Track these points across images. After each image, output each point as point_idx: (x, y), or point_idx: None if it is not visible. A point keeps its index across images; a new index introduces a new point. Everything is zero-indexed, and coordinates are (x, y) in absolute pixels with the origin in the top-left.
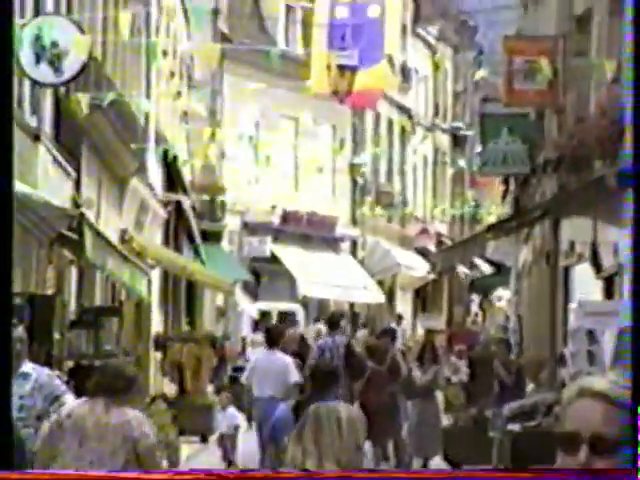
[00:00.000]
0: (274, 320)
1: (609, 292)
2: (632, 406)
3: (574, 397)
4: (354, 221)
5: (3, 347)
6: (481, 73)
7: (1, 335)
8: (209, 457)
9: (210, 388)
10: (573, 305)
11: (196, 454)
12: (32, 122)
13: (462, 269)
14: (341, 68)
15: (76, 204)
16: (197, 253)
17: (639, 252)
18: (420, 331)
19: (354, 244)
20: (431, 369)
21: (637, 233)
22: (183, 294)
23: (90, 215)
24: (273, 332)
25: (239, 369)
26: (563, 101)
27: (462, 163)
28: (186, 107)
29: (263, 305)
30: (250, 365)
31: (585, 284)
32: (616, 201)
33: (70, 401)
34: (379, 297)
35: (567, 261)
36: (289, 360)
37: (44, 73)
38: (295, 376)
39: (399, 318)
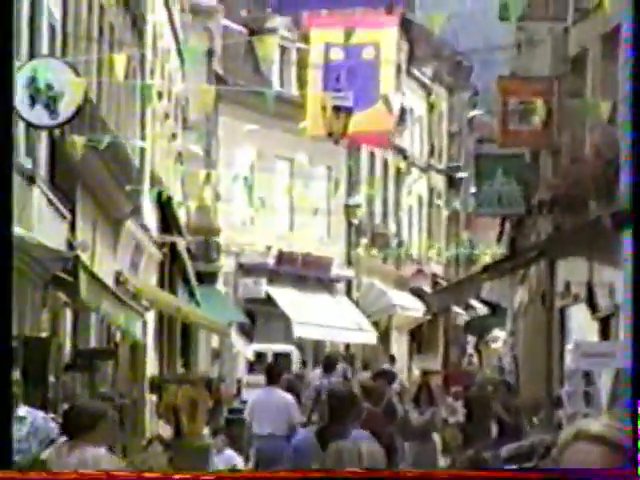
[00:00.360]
0: (269, 361)
1: (605, 333)
2: (633, 405)
3: (571, 440)
4: (349, 262)
5: (3, 348)
6: (475, 112)
7: (2, 335)
8: None
9: (206, 430)
10: (569, 346)
11: None
12: (27, 164)
13: (457, 310)
14: (336, 109)
15: (71, 246)
16: (192, 295)
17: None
18: (416, 372)
19: (349, 285)
20: (428, 410)
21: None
22: (178, 336)
23: (85, 257)
24: (273, 370)
25: (235, 411)
26: (558, 142)
27: (457, 204)
28: (181, 148)
29: (258, 347)
30: (250, 402)
31: (581, 325)
32: (612, 242)
33: None
34: (374, 338)
35: (563, 302)
36: (290, 398)
37: (39, 115)
38: (298, 416)
39: (392, 359)
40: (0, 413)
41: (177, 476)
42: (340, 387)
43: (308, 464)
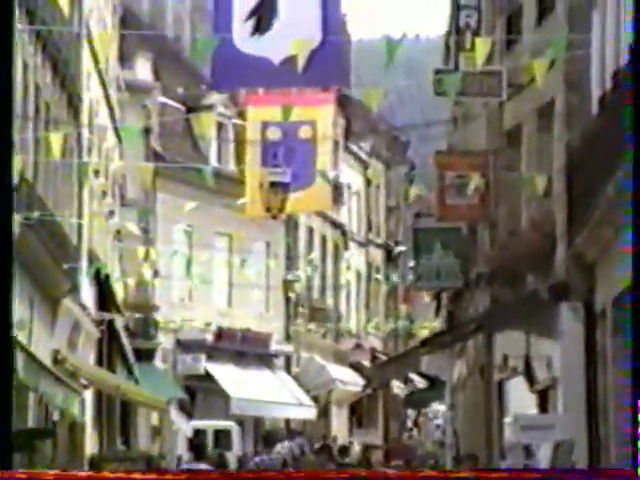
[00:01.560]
0: (209, 438)
1: (543, 405)
2: (633, 405)
3: None
4: (288, 337)
5: (4, 350)
6: (415, 191)
7: (3, 336)
8: None
9: None
10: (508, 419)
11: None
12: None
13: (397, 384)
14: (274, 185)
15: None
16: (130, 372)
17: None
18: (357, 447)
19: (288, 360)
20: None
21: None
22: (117, 414)
23: (22, 336)
24: (199, 447)
25: None
26: (495, 215)
27: (396, 278)
28: (119, 226)
29: (198, 423)
30: None
31: (520, 398)
32: (549, 314)
33: None
34: (314, 413)
35: (501, 375)
36: None
37: None
38: None
39: (324, 439)
40: (0, 413)
41: (169, 476)
42: (315, 459)
43: None
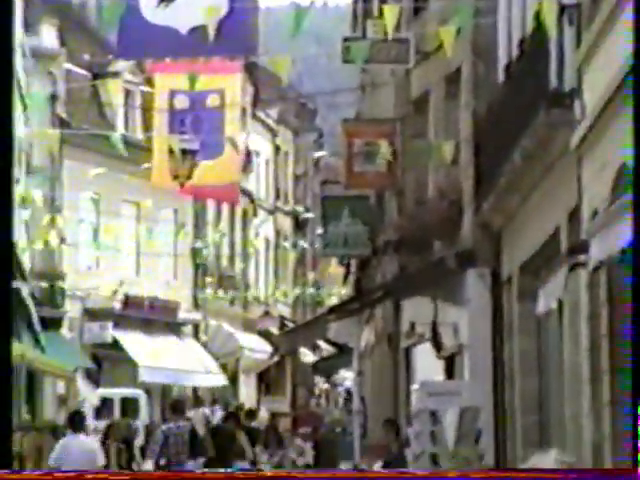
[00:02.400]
0: (116, 407)
1: (450, 372)
2: (633, 405)
3: None
4: (196, 305)
5: (4, 348)
6: (321, 154)
7: (2, 337)
8: None
9: None
10: (415, 386)
11: None
12: None
13: (305, 351)
14: (182, 152)
15: None
16: (37, 341)
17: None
18: (264, 414)
19: (196, 328)
20: (277, 453)
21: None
22: (23, 383)
23: None
24: (76, 417)
25: None
26: (402, 183)
27: (304, 245)
28: (24, 193)
29: (105, 391)
30: (58, 448)
31: (426, 364)
32: (456, 281)
33: None
34: (222, 381)
35: (408, 341)
36: (95, 443)
37: None
38: (102, 460)
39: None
40: (0, 414)
41: (170, 476)
42: (223, 426)
43: None
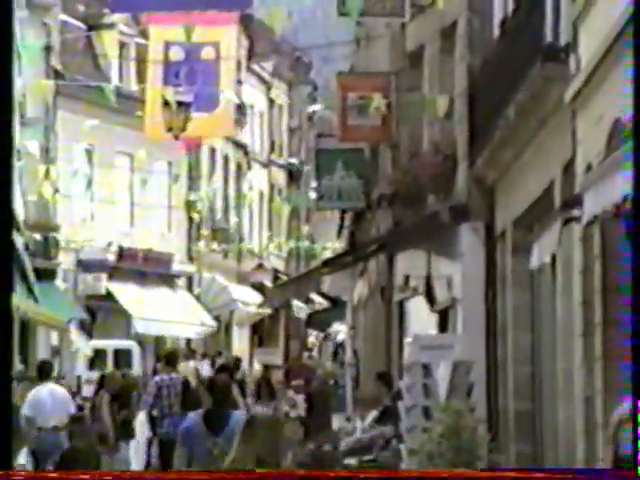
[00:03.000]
0: (110, 358)
1: (443, 325)
2: (633, 405)
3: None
4: (190, 257)
5: (4, 348)
6: (315, 108)
7: (2, 337)
8: None
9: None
10: (408, 339)
11: None
12: None
13: (298, 304)
14: (177, 104)
15: None
16: (30, 291)
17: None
18: (257, 366)
19: (190, 280)
20: (269, 405)
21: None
22: (16, 333)
23: None
24: (43, 366)
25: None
26: (397, 137)
27: (298, 198)
28: (18, 145)
29: (98, 343)
30: (31, 399)
31: (420, 318)
32: (449, 235)
33: None
34: (215, 332)
35: (402, 295)
36: (66, 392)
37: None
38: (73, 408)
39: (219, 354)
40: (0, 414)
41: (172, 476)
42: (221, 378)
43: (198, 444)
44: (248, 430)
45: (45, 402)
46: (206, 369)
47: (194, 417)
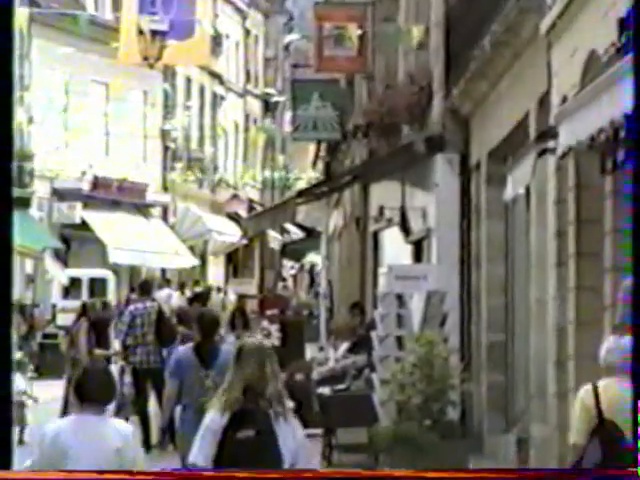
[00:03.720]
0: (85, 287)
1: (418, 256)
2: (633, 404)
3: None
4: (165, 187)
5: (4, 349)
6: (291, 37)
7: (2, 338)
8: None
9: (19, 355)
10: (382, 269)
11: None
12: None
13: (273, 234)
14: (152, 33)
15: None
16: None
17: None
18: (232, 296)
19: (165, 210)
20: (243, 334)
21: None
22: None
23: None
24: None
25: (49, 336)
26: (372, 67)
27: (273, 128)
28: None
29: (73, 272)
30: None
31: (394, 249)
32: (424, 166)
33: None
34: (191, 262)
35: (376, 226)
36: None
37: None
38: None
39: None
40: (0, 413)
41: (173, 475)
42: (209, 311)
43: (190, 376)
44: (238, 359)
45: None
46: (174, 298)
47: (185, 350)
